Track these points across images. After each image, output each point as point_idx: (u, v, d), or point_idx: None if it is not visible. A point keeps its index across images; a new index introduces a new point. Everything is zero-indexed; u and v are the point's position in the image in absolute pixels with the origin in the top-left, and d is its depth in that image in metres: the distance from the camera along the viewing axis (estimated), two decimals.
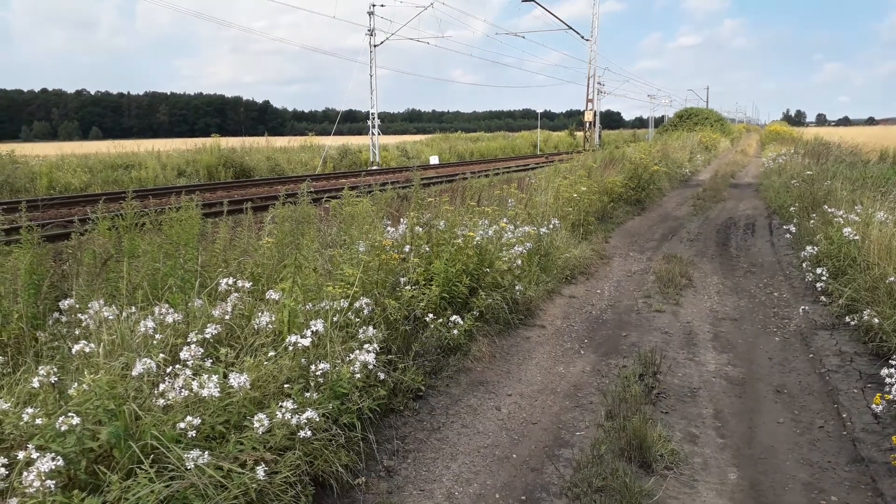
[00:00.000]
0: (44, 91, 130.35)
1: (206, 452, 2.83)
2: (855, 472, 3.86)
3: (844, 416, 4.57)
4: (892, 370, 4.28)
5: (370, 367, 3.98)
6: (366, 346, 4.07)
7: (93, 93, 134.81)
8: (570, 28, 36.82)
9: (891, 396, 4.17)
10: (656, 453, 3.96)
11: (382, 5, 31.51)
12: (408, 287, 5.37)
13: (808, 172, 14.79)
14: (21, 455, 2.54)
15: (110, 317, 3.81)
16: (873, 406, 4.44)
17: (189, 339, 3.67)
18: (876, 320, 5.56)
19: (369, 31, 31.67)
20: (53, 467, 2.48)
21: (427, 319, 5.26)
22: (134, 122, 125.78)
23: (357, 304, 4.68)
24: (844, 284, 6.81)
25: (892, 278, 5.83)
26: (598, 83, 39.25)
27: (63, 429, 2.69)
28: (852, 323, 6.07)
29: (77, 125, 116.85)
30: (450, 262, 5.83)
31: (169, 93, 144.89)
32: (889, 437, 4.09)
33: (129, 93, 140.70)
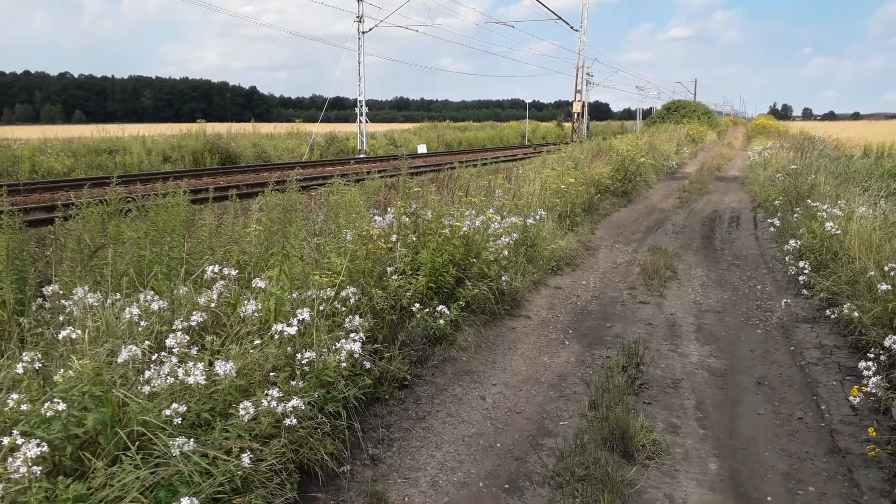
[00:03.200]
0: (26, 73, 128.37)
1: (192, 440, 2.84)
2: (832, 462, 3.94)
3: (823, 407, 4.65)
4: (870, 363, 4.36)
5: (356, 356, 3.99)
6: (352, 335, 4.08)
7: (76, 76, 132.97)
8: (560, 18, 36.84)
9: (868, 389, 4.25)
10: (638, 443, 4.01)
11: None
12: (394, 277, 5.38)
13: (793, 166, 14.94)
14: (6, 441, 2.53)
15: (95, 303, 3.78)
16: (851, 398, 4.53)
17: (174, 327, 3.66)
18: (855, 314, 5.64)
19: (358, 17, 31.44)
20: (39, 453, 2.48)
21: (413, 309, 5.27)
22: (118, 106, 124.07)
23: (343, 293, 4.68)
24: (826, 278, 6.90)
25: (872, 272, 5.92)
26: (587, 74, 39.29)
27: (48, 415, 2.68)
28: (832, 316, 6.16)
29: (60, 108, 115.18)
30: (437, 252, 5.84)
31: (154, 77, 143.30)
32: (866, 429, 4.18)
33: (113, 76, 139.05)
